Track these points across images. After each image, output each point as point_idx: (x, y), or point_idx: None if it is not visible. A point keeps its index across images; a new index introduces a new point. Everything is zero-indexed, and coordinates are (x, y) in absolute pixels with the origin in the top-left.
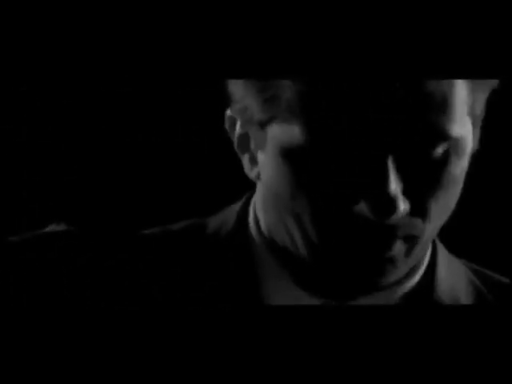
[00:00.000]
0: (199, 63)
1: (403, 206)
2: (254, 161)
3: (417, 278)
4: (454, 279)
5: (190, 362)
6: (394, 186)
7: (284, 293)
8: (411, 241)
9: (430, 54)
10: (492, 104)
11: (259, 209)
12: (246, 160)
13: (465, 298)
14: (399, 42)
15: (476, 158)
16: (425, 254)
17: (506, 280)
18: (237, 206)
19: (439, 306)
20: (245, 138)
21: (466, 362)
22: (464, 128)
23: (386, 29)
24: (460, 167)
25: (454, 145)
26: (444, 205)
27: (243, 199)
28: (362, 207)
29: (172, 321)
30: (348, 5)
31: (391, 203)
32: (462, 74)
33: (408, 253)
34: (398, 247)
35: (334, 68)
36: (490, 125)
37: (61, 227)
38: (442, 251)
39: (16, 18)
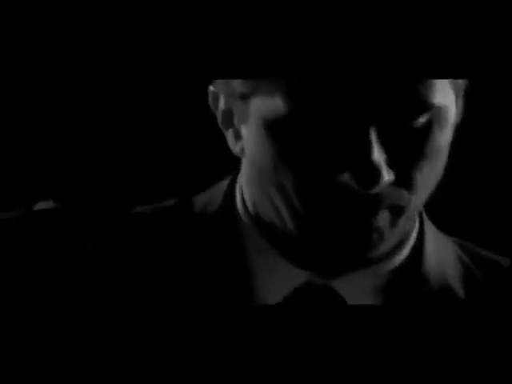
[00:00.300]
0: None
1: (387, 175)
2: (238, 135)
3: (404, 253)
4: (442, 255)
5: (175, 344)
6: (378, 155)
7: (272, 269)
8: (397, 211)
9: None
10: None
11: (244, 185)
12: (230, 135)
13: (453, 273)
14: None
15: (467, 136)
16: (411, 227)
17: (495, 256)
18: (223, 184)
19: (428, 301)
20: (228, 113)
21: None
22: (446, 98)
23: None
24: (443, 138)
25: (437, 115)
26: (429, 175)
27: (230, 177)
28: (346, 177)
29: (158, 300)
30: None
31: (375, 172)
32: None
33: (394, 223)
34: (384, 217)
35: (318, 43)
36: (476, 100)
37: (49, 204)
38: (430, 227)
39: (16, 18)
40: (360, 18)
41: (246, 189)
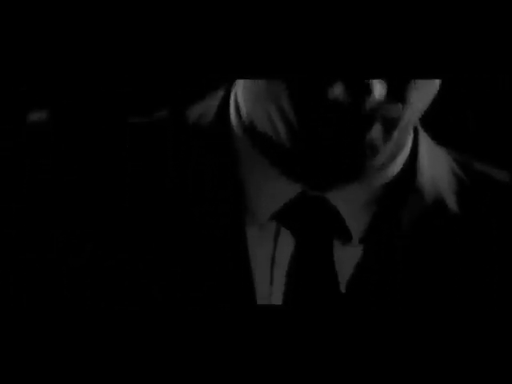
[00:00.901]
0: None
1: (379, 88)
2: None
3: (398, 165)
4: (436, 168)
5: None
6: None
7: (265, 181)
8: (390, 124)
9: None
10: None
11: (239, 96)
12: None
13: (446, 186)
14: None
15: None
16: (405, 140)
17: (490, 169)
18: (218, 95)
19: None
20: None
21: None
22: None
23: None
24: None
25: None
26: (423, 89)
27: (224, 88)
28: (338, 91)
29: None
30: None
31: (366, 86)
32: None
33: (387, 137)
34: (377, 130)
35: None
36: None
37: (43, 114)
38: (425, 139)
39: (16, 18)
40: None
41: (240, 100)
